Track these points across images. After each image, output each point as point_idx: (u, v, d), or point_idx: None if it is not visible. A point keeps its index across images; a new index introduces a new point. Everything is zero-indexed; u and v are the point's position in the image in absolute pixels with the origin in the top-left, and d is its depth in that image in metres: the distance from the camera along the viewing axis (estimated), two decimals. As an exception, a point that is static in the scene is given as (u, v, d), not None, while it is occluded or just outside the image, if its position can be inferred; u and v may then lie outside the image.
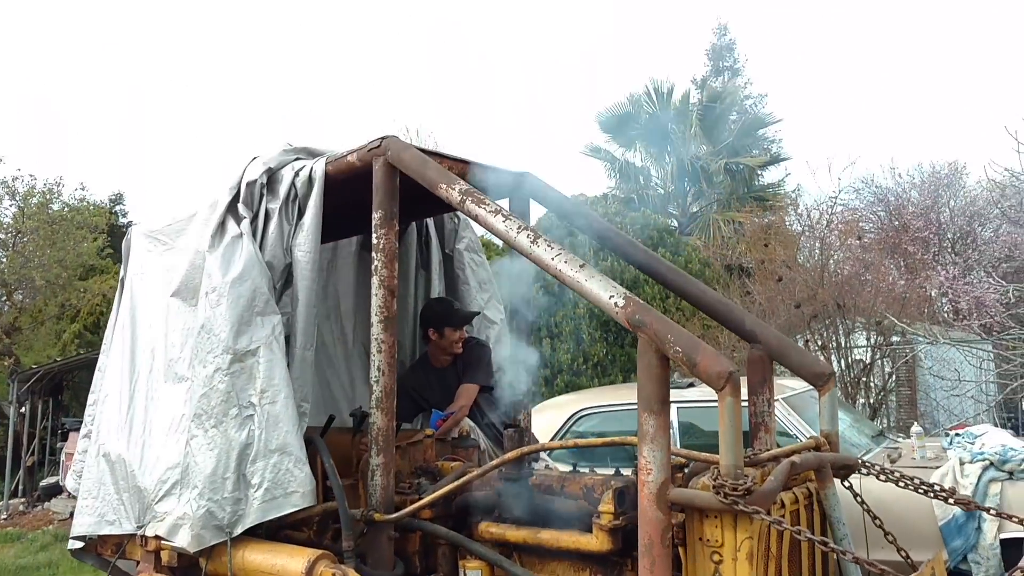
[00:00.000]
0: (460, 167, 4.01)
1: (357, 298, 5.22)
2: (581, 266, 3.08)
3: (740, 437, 2.83)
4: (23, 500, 14.82)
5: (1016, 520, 3.19)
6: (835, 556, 3.25)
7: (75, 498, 4.45)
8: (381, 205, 3.67)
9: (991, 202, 20.99)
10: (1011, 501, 4.99)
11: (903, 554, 3.49)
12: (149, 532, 3.73)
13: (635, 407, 6.15)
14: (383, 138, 3.71)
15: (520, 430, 3.59)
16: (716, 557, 2.87)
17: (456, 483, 3.52)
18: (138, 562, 3.92)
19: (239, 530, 3.45)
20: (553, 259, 3.12)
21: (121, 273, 4.71)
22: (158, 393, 4.10)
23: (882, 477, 3.43)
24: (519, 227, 3.27)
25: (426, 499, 3.52)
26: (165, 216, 4.59)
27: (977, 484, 4.92)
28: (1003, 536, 4.79)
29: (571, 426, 6.24)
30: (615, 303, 2.94)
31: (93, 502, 4.10)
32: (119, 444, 4.10)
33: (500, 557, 3.46)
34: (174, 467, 3.80)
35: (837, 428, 3.49)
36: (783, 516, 2.97)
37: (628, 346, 11.75)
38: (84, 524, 4.10)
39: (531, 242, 3.20)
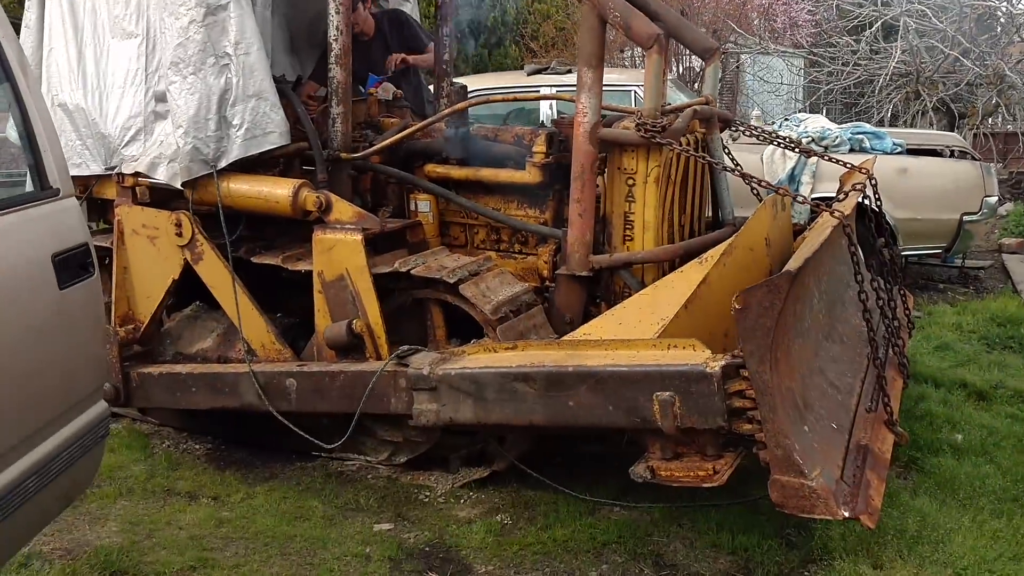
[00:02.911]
0: None
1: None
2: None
3: (660, 88, 3.62)
4: None
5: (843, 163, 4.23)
6: (708, 187, 4.22)
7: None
8: None
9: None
10: (823, 169, 6.24)
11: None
12: (126, 170, 4.19)
13: (513, 91, 6.82)
14: None
15: (463, 87, 4.22)
16: (630, 182, 3.75)
17: (409, 130, 4.17)
18: (107, 201, 4.40)
19: (223, 163, 3.98)
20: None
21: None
22: (108, 49, 4.36)
23: (748, 132, 4.37)
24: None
25: (386, 141, 4.16)
26: None
27: (800, 154, 6.07)
28: (814, 196, 6.04)
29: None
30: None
31: (55, 147, 4.43)
32: (75, 95, 4.39)
33: (445, 190, 4.23)
34: (135, 116, 4.21)
35: (716, 93, 4.35)
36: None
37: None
38: (49, 167, 4.46)
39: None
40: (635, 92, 6.58)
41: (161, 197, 4.26)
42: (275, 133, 4.00)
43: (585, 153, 3.67)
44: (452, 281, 3.65)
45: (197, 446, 4.38)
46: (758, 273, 3.64)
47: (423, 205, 4.26)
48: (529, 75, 7.28)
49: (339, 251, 3.80)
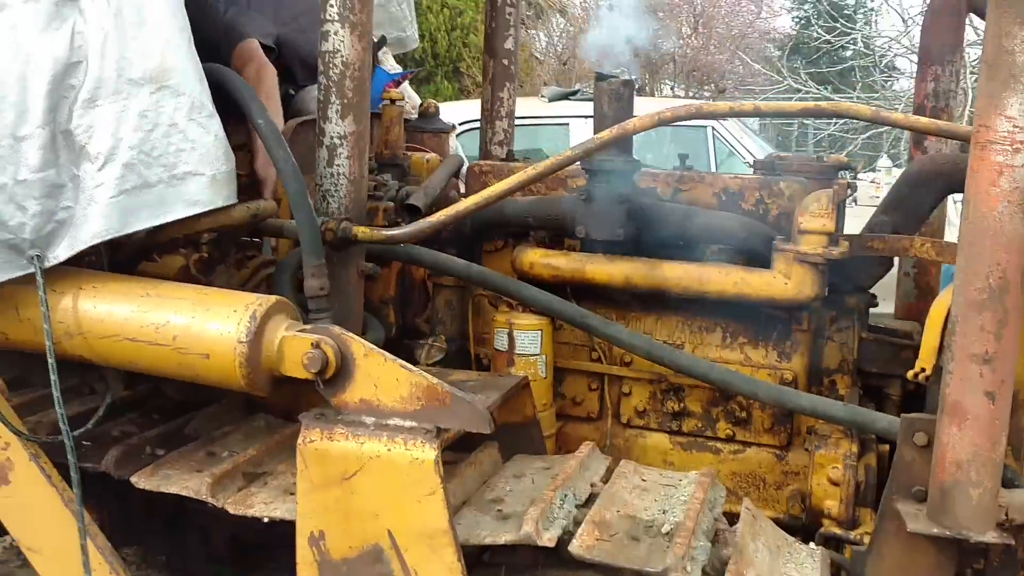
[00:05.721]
0: None
1: None
2: None
3: None
4: None
5: None
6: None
7: None
8: None
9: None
10: None
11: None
12: None
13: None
14: None
15: (629, 83, 1.94)
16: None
17: (513, 183, 1.84)
18: None
19: (60, 253, 1.57)
20: None
21: None
22: None
23: None
24: None
25: (467, 202, 1.82)
26: None
27: None
28: None
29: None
30: None
31: None
32: None
33: (581, 311, 1.92)
34: None
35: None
36: None
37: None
38: None
39: None
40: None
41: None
42: (203, 177, 1.60)
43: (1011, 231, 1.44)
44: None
45: None
46: None
47: (527, 338, 1.94)
48: (550, 101, 5.17)
49: (371, 484, 1.42)
